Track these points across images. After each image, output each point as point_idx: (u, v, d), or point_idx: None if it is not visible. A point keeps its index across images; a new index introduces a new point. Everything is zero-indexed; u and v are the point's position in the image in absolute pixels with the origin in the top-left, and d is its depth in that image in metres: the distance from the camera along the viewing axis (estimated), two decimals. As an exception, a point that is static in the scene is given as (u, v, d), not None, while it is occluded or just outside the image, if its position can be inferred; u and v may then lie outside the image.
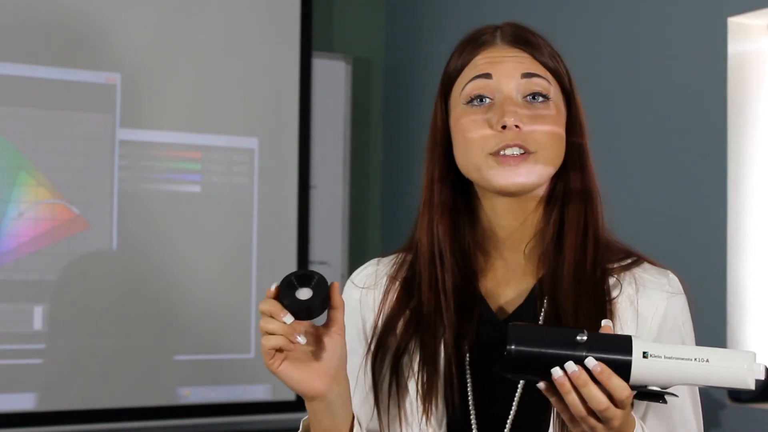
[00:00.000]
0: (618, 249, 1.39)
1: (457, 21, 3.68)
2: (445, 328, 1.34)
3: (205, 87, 3.50)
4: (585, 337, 1.14)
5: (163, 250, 3.42)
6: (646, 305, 1.34)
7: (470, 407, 1.33)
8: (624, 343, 1.15)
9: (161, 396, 3.41)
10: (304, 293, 1.21)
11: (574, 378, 1.13)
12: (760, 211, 2.74)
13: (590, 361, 1.13)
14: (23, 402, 3.22)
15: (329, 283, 1.23)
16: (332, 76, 3.81)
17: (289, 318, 1.20)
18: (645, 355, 1.14)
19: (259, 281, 3.54)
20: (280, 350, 1.22)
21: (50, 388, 3.25)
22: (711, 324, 2.67)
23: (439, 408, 1.33)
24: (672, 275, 1.38)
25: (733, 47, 2.72)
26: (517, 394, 1.33)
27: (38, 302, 3.24)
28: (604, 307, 1.33)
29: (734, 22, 2.72)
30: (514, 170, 1.30)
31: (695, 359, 1.14)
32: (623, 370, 1.14)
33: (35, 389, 3.23)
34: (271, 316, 1.20)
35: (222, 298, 3.49)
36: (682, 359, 1.14)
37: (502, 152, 1.30)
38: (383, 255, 1.47)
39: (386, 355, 1.37)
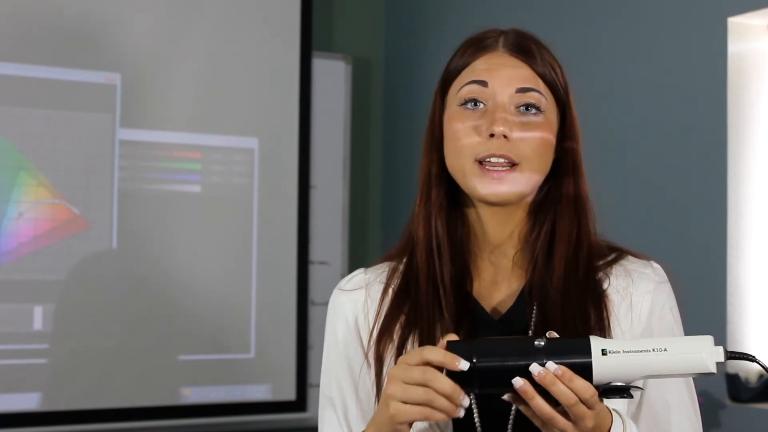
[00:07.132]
0: (602, 246, 1.41)
1: (456, 21, 3.68)
2: (445, 320, 1.34)
3: (205, 87, 3.50)
4: (543, 343, 1.16)
5: (163, 250, 3.42)
6: (636, 294, 1.37)
7: (473, 403, 1.33)
8: (582, 345, 1.17)
9: (161, 396, 3.41)
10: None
11: (540, 379, 1.14)
12: (760, 211, 2.74)
13: (551, 365, 1.15)
14: (22, 402, 3.22)
15: None
16: (332, 76, 3.80)
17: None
18: (604, 352, 1.16)
19: (259, 281, 3.54)
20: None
21: (50, 389, 3.25)
22: (711, 324, 2.67)
23: None
24: (656, 264, 1.41)
25: (733, 47, 2.72)
26: None
27: (38, 302, 3.24)
28: (599, 310, 1.34)
29: (734, 22, 2.72)
30: (497, 181, 1.31)
31: (653, 350, 1.16)
32: (585, 370, 1.16)
33: (36, 389, 3.23)
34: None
35: (222, 298, 3.49)
36: (641, 351, 1.16)
37: (487, 160, 1.31)
38: (367, 267, 1.48)
39: (385, 358, 1.37)
